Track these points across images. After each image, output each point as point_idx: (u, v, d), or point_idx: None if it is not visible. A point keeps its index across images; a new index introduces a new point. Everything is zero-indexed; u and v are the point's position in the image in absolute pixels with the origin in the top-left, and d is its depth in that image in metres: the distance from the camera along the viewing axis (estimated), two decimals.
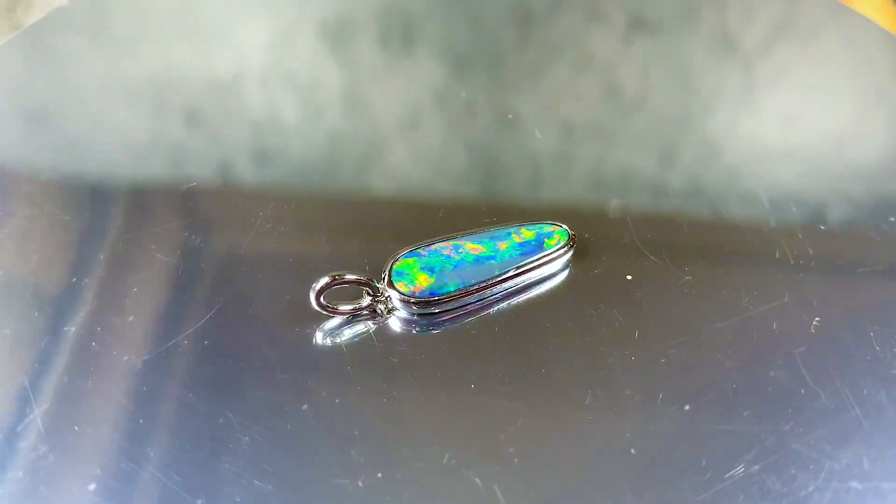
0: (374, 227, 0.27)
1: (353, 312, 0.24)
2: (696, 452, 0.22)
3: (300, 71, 0.32)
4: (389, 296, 0.24)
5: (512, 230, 0.25)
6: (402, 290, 0.24)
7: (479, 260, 0.25)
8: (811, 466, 0.21)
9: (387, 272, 0.24)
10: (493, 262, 0.25)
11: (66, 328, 0.23)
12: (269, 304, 0.24)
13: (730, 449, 0.21)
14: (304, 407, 0.22)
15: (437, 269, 0.24)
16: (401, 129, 0.30)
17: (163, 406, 0.22)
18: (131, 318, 0.24)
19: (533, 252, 0.25)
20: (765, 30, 0.34)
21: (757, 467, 0.21)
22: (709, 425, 0.22)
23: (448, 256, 0.25)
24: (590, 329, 0.24)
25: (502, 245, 0.25)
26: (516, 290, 0.25)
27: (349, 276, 0.23)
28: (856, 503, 0.21)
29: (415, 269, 0.24)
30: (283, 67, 0.32)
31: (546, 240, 0.25)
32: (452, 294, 0.24)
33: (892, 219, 0.27)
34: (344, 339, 0.24)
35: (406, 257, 0.24)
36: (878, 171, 0.29)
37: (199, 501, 0.20)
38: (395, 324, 0.24)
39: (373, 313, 0.24)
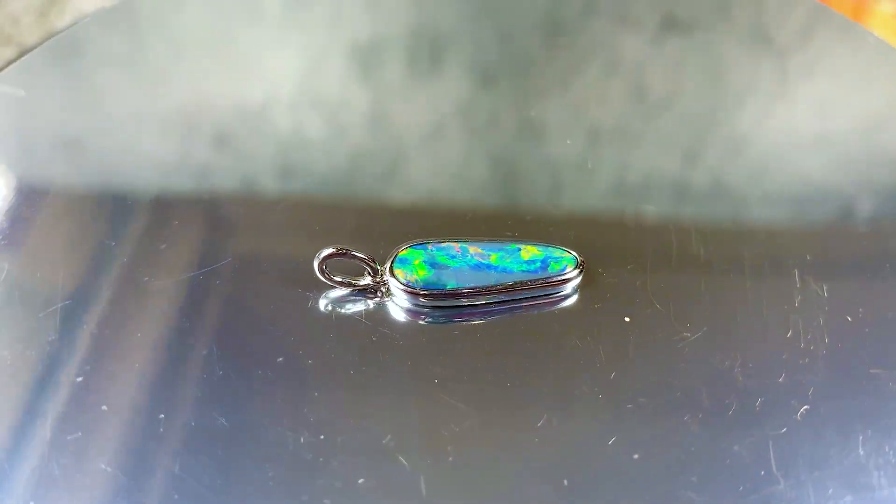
0: (394, 231, 0.28)
1: (350, 287, 0.25)
2: (626, 500, 0.21)
3: (329, 94, 0.33)
4: (388, 280, 0.25)
5: (522, 246, 0.26)
6: (399, 277, 0.25)
7: (479, 266, 0.25)
8: None
9: (391, 258, 0.25)
10: (492, 271, 0.25)
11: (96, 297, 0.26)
12: (281, 268, 0.26)
13: None
14: (280, 360, 0.24)
15: (437, 266, 0.25)
16: (426, 140, 0.31)
17: (155, 331, 0.25)
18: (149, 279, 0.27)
19: (535, 272, 0.25)
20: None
21: None
22: (649, 480, 0.22)
23: (452, 256, 0.25)
24: (569, 358, 0.24)
25: (507, 258, 0.26)
26: (512, 304, 0.26)
27: (353, 252, 0.25)
28: None
29: (417, 261, 0.25)
30: (312, 91, 0.33)
31: (552, 263, 0.26)
32: (445, 292, 0.25)
33: None
34: (337, 310, 0.25)
35: (414, 248, 0.26)
36: None
37: (161, 416, 0.23)
38: (388, 308, 0.25)
39: (370, 293, 0.26)
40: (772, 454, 0.22)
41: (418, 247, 0.26)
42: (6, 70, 0.32)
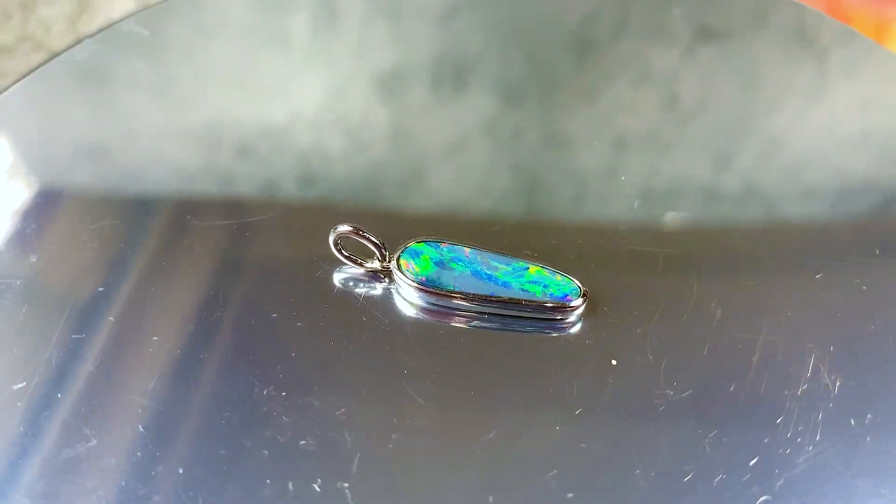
0: (413, 235, 0.28)
1: (358, 265, 0.27)
2: None
3: (354, 113, 0.33)
4: (392, 268, 0.26)
5: (531, 266, 0.26)
6: (403, 267, 0.26)
7: (481, 275, 0.26)
8: None
9: (402, 248, 0.26)
10: (492, 283, 0.26)
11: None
12: (300, 238, 0.28)
13: None
14: (274, 315, 0.26)
15: (442, 265, 0.26)
16: (449, 154, 0.31)
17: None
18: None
19: (533, 294, 0.25)
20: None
21: None
22: None
23: (460, 260, 0.26)
24: (540, 383, 0.24)
25: (511, 274, 0.26)
26: (505, 319, 0.26)
27: (367, 234, 0.26)
28: None
29: (425, 256, 0.26)
30: (337, 110, 0.33)
31: (554, 289, 0.25)
32: (439, 290, 0.26)
33: None
34: (341, 284, 0.27)
35: (426, 244, 0.26)
36: None
37: (153, 344, 0.25)
38: (388, 295, 0.26)
39: (376, 278, 0.27)
40: None
41: (431, 244, 0.26)
42: (33, 74, 0.34)
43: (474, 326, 0.26)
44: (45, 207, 0.29)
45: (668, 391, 0.24)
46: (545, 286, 0.26)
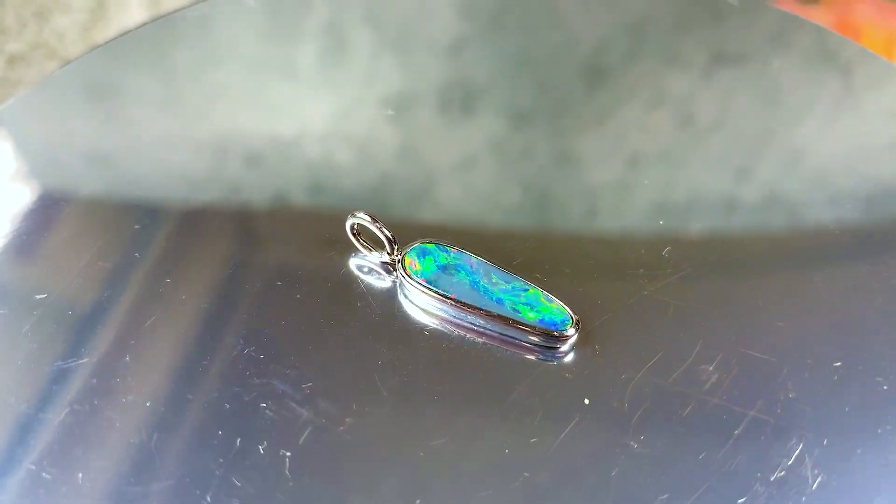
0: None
1: (369, 251, 0.27)
2: None
3: (361, 131, 0.33)
4: (396, 261, 0.27)
5: (532, 289, 0.26)
6: (407, 262, 0.26)
7: (478, 287, 0.26)
8: None
9: (412, 244, 0.27)
10: (486, 297, 0.26)
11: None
12: (318, 222, 0.29)
13: None
14: (279, 283, 0.27)
15: (444, 269, 0.26)
16: (457, 172, 0.31)
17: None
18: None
19: (521, 316, 0.25)
20: None
21: None
22: None
23: (463, 268, 0.26)
24: (503, 404, 0.24)
25: (509, 293, 0.26)
26: (492, 334, 0.26)
27: (381, 225, 0.27)
28: None
29: (431, 257, 0.26)
30: (345, 129, 0.33)
31: (547, 315, 0.25)
32: (433, 292, 0.26)
33: None
34: (349, 268, 0.27)
35: (437, 246, 0.27)
36: None
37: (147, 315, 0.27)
38: (391, 287, 0.27)
39: (385, 269, 0.27)
40: None
41: (441, 247, 0.27)
42: (40, 82, 0.35)
43: (459, 335, 0.26)
44: (52, 215, 0.30)
45: (632, 443, 0.23)
46: (537, 311, 0.25)
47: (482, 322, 0.26)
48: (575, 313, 0.25)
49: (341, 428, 0.24)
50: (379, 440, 0.23)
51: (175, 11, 0.36)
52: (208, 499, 0.22)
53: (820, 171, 0.31)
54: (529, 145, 0.32)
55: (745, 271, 0.28)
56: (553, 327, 0.25)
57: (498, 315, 0.25)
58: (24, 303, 0.27)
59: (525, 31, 0.37)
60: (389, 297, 0.27)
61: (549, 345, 0.25)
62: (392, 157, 0.32)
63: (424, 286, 0.26)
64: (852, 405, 0.24)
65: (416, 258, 0.27)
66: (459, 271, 0.26)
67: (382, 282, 0.27)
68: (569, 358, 0.25)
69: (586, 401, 0.24)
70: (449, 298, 0.26)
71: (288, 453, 0.23)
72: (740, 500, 0.22)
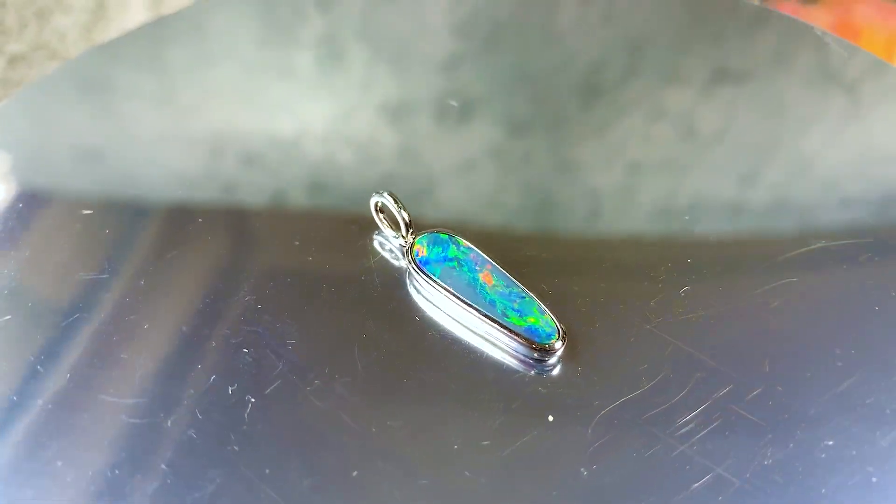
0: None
1: (388, 228, 0.28)
2: None
3: (360, 134, 0.33)
4: (407, 243, 0.27)
5: (527, 296, 0.25)
6: (415, 246, 0.27)
7: (475, 285, 0.26)
8: None
9: (427, 231, 0.27)
10: (479, 297, 0.26)
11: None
12: (346, 199, 0.30)
13: None
14: (296, 242, 0.28)
15: (447, 259, 0.26)
16: (456, 175, 0.31)
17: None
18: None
19: (508, 321, 0.25)
20: None
21: None
22: None
23: (467, 262, 0.26)
24: (466, 404, 0.24)
25: (503, 297, 0.26)
26: (479, 333, 0.26)
27: (402, 207, 0.27)
28: None
29: (439, 247, 0.27)
30: (342, 133, 0.33)
31: (532, 324, 0.25)
32: (430, 279, 0.26)
33: None
34: (366, 242, 0.28)
35: (450, 237, 0.27)
36: None
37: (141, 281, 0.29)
38: (399, 269, 0.27)
39: (400, 251, 0.28)
40: None
41: (453, 239, 0.27)
42: (36, 82, 0.35)
43: (447, 327, 0.26)
44: (44, 213, 0.30)
45: (582, 469, 0.23)
46: (526, 319, 0.25)
47: (471, 319, 0.26)
48: (566, 329, 0.25)
49: (308, 388, 0.24)
50: (339, 409, 0.24)
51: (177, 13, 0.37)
52: (169, 423, 0.24)
53: (826, 185, 0.30)
54: (528, 154, 0.32)
55: (755, 321, 0.26)
56: (537, 338, 0.25)
57: (486, 315, 0.25)
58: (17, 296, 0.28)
59: (523, 49, 0.37)
60: (395, 278, 0.27)
61: (531, 355, 0.25)
62: (389, 161, 0.32)
63: (424, 273, 0.26)
64: (828, 488, 0.22)
65: (425, 245, 0.27)
66: (463, 266, 0.26)
67: (395, 262, 0.28)
68: (549, 372, 0.25)
69: (550, 417, 0.24)
70: (444, 289, 0.26)
71: (252, 400, 0.24)
72: None
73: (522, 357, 0.25)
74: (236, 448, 0.23)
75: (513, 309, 0.25)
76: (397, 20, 0.38)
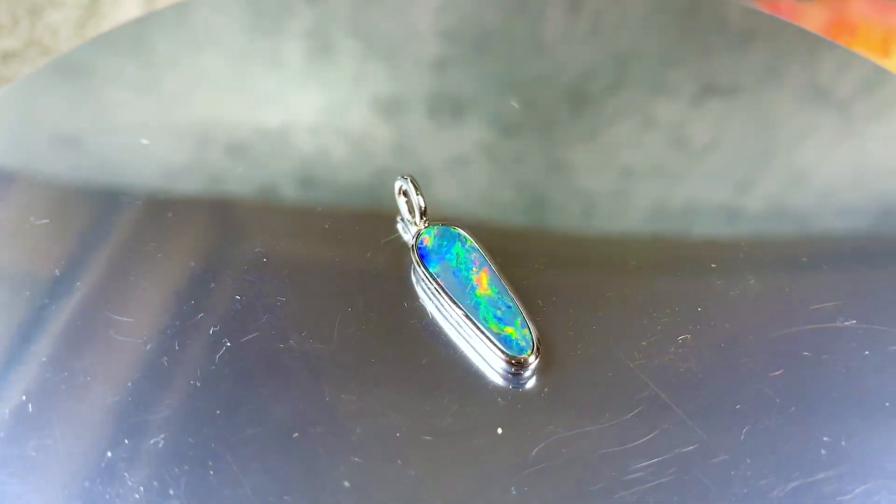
0: None
1: (406, 210, 0.28)
2: None
3: (352, 128, 0.33)
4: (416, 231, 0.27)
5: (513, 305, 0.25)
6: (422, 235, 0.27)
7: (465, 285, 0.26)
8: None
9: (438, 222, 0.27)
10: (466, 297, 0.25)
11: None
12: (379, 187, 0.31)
13: None
14: (318, 208, 0.29)
15: (446, 252, 0.26)
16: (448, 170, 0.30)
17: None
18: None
19: (485, 325, 0.25)
20: None
21: None
22: None
23: (466, 262, 0.26)
24: (422, 399, 0.24)
25: (488, 301, 0.25)
26: (460, 332, 0.25)
27: (420, 194, 0.28)
28: None
29: (446, 241, 0.27)
30: (333, 125, 0.33)
31: (506, 333, 0.25)
32: (423, 269, 0.26)
33: None
34: (385, 223, 0.29)
35: (459, 231, 0.27)
36: None
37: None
38: (407, 253, 0.28)
39: (411, 239, 0.28)
40: None
41: (462, 238, 0.27)
42: (29, 74, 0.35)
43: (431, 319, 0.26)
44: (29, 201, 0.30)
45: (513, 489, 0.22)
46: (503, 328, 0.25)
47: (454, 317, 0.26)
48: (543, 348, 0.24)
49: (281, 345, 0.25)
50: (299, 373, 0.25)
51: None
52: (147, 347, 0.25)
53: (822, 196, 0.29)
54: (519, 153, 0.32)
55: (747, 387, 0.24)
56: (508, 348, 0.24)
57: (466, 316, 0.25)
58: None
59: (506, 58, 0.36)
60: (398, 261, 0.28)
61: (502, 365, 0.25)
62: (383, 155, 0.32)
63: (421, 263, 0.27)
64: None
65: (432, 236, 0.27)
66: (460, 264, 0.26)
67: (407, 245, 0.28)
68: (515, 385, 0.24)
69: (499, 430, 0.23)
70: (434, 282, 0.26)
71: (228, 343, 0.25)
72: None
73: (494, 365, 0.25)
74: (198, 384, 0.24)
75: (495, 316, 0.25)
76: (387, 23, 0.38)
